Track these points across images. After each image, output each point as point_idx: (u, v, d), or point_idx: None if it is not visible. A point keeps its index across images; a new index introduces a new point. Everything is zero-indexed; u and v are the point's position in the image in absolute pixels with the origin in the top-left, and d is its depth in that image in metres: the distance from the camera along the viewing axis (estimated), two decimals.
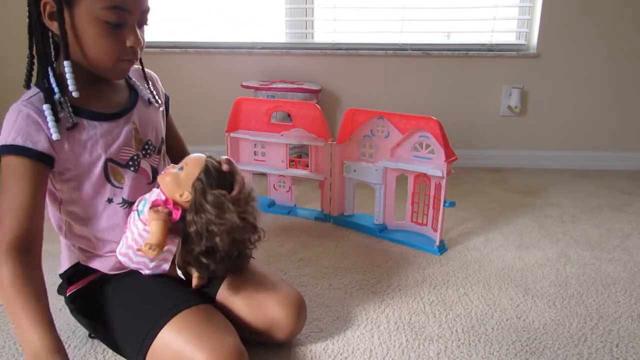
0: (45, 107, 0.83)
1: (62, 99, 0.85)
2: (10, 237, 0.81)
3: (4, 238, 0.81)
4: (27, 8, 0.84)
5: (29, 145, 0.82)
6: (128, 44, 0.85)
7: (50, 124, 0.83)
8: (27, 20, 0.85)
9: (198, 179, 0.88)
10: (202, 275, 0.93)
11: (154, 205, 0.88)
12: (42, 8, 0.82)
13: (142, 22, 0.88)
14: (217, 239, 0.86)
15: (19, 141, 0.82)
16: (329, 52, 2.30)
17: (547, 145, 2.39)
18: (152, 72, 1.08)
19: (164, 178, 0.91)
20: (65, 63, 0.84)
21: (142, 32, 0.89)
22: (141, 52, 0.90)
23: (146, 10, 0.87)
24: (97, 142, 0.89)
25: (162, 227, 0.86)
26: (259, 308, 0.96)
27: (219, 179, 0.90)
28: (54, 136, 0.84)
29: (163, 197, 0.90)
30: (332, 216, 1.69)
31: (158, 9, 2.28)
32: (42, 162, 0.84)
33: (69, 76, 0.85)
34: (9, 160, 0.83)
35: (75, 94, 0.85)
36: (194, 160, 0.91)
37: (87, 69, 0.87)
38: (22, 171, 0.82)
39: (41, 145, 0.83)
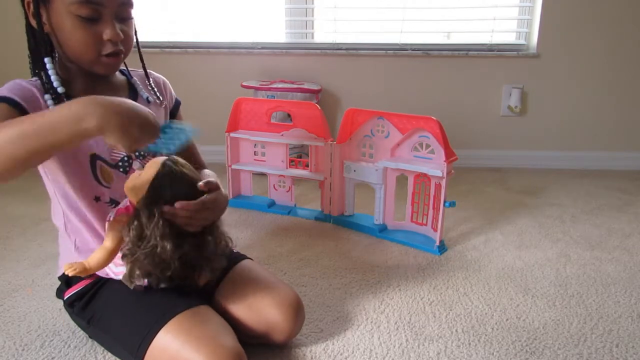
0: (47, 96, 0.84)
1: (57, 91, 0.85)
2: None
3: None
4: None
5: (16, 97, 0.81)
6: (105, 37, 0.84)
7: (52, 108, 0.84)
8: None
9: (150, 184, 0.82)
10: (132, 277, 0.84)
11: (118, 214, 0.85)
12: (26, 7, 0.84)
13: (122, 15, 0.86)
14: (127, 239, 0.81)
15: (5, 93, 0.81)
16: (329, 52, 2.30)
17: (547, 145, 2.39)
18: (162, 77, 1.08)
19: (127, 184, 0.86)
20: (46, 60, 0.85)
21: (127, 26, 0.88)
22: (125, 45, 0.88)
23: (125, 4, 0.86)
24: None
25: (117, 238, 0.82)
26: (256, 310, 0.95)
27: (173, 183, 0.83)
28: None
29: (127, 204, 0.86)
30: (332, 216, 1.69)
31: (158, 9, 2.29)
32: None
33: (51, 72, 0.85)
34: None
35: (60, 89, 0.85)
36: (150, 165, 0.85)
37: (76, 64, 0.87)
38: (6, 114, 0.78)
39: (29, 105, 0.81)
